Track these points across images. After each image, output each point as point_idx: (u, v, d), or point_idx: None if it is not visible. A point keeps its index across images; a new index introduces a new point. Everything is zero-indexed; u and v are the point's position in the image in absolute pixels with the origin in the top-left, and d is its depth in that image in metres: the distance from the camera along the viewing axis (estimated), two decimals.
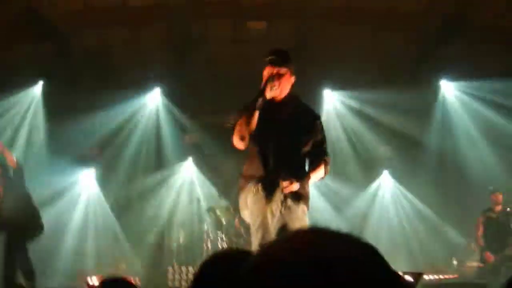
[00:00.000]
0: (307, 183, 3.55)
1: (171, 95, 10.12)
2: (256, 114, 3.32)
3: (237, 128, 3.35)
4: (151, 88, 10.13)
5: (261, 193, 3.22)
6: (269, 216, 3.18)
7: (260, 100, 3.32)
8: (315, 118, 3.66)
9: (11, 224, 5.82)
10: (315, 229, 0.82)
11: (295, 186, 3.37)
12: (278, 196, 3.24)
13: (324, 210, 9.67)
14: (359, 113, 10.14)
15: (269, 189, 3.23)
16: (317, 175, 3.60)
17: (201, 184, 10.40)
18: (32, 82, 9.65)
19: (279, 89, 3.43)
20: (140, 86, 10.00)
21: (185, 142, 10.42)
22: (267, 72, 3.46)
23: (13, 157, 6.21)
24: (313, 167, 3.56)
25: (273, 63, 3.45)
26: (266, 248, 0.83)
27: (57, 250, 9.23)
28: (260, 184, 3.26)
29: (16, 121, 9.70)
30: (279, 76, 3.41)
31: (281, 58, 3.48)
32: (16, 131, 9.65)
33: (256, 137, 3.42)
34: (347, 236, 0.79)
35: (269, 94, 3.37)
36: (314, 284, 0.70)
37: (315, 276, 0.70)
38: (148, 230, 10.03)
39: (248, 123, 3.31)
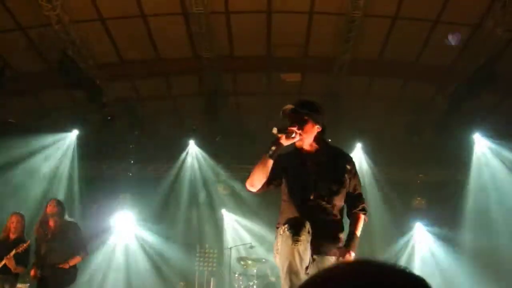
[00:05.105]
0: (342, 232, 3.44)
1: (205, 146, 10.35)
2: (270, 162, 3.25)
3: (251, 173, 3.34)
4: (185, 139, 10.39)
5: (287, 233, 3.02)
6: (296, 258, 2.94)
7: (273, 148, 3.25)
8: (347, 160, 3.54)
9: (53, 276, 5.91)
10: (359, 259, 0.78)
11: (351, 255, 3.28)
12: (304, 237, 3.02)
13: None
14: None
15: (295, 228, 3.02)
16: (360, 227, 3.48)
17: (233, 234, 10.47)
18: (65, 127, 9.88)
19: (301, 137, 3.34)
20: (175, 135, 10.25)
21: (220, 192, 10.57)
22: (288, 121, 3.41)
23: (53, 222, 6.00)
24: (355, 220, 3.47)
25: (291, 111, 3.38)
26: (309, 280, 0.76)
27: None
28: (286, 224, 3.08)
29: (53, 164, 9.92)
30: (299, 124, 3.32)
31: (299, 106, 3.38)
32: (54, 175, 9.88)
33: (287, 189, 3.36)
34: (394, 266, 0.74)
35: (285, 142, 3.29)
36: None
37: None
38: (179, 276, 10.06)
39: (262, 170, 3.26)
